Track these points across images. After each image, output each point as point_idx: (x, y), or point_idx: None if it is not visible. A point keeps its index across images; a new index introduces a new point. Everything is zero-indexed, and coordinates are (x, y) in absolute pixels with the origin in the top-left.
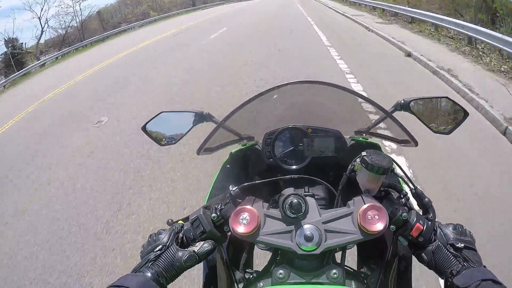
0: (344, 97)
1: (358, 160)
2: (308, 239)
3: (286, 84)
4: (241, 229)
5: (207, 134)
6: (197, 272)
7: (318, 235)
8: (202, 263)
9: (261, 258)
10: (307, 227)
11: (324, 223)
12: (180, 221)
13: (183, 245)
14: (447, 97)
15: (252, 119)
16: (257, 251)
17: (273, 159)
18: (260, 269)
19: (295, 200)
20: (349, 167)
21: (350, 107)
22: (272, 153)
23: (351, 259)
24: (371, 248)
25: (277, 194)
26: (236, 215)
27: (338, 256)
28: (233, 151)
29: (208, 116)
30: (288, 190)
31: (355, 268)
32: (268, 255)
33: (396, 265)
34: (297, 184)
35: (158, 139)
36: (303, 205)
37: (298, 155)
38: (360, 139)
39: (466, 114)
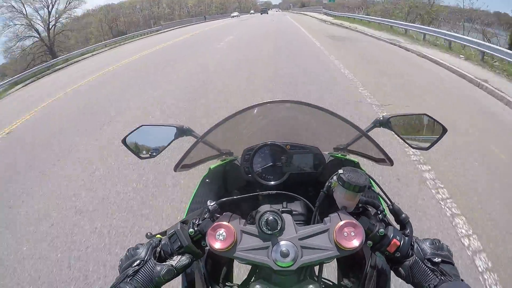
0: (323, 115)
1: (335, 177)
2: (284, 255)
3: (266, 103)
4: (217, 245)
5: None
6: (176, 285)
7: (294, 251)
8: (180, 276)
9: (241, 271)
10: (283, 244)
11: (300, 239)
12: (158, 235)
13: (161, 259)
14: (426, 114)
15: (231, 135)
16: (237, 264)
17: (252, 174)
18: (240, 282)
19: (271, 217)
20: (326, 184)
21: (329, 124)
22: (250, 169)
23: (332, 271)
24: (351, 261)
25: (255, 210)
26: (213, 230)
27: (316, 269)
28: (212, 166)
29: (188, 130)
30: (265, 207)
31: (335, 281)
32: (248, 268)
33: (375, 278)
34: (276, 199)
35: (137, 152)
36: (279, 221)
37: (277, 171)
38: (339, 155)
39: (444, 130)
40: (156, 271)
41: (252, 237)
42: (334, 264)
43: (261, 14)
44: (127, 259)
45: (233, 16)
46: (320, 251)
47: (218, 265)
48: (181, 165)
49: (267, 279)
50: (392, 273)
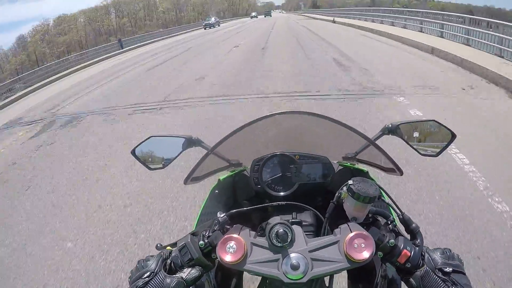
0: (331, 125)
1: (344, 188)
2: (295, 267)
3: (274, 115)
4: (228, 257)
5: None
6: None
7: (304, 264)
8: None
9: (250, 283)
10: (294, 256)
11: (310, 251)
12: (169, 247)
13: (171, 271)
14: (434, 120)
15: (240, 146)
16: (247, 276)
17: (261, 185)
18: None
19: (281, 230)
20: (336, 195)
21: (337, 134)
22: (260, 180)
23: (342, 282)
24: (361, 272)
25: (265, 222)
26: (223, 243)
27: (327, 279)
28: (221, 177)
29: (197, 141)
30: (275, 219)
31: None
32: (257, 280)
33: None
34: (285, 210)
35: (147, 163)
36: (289, 234)
37: (286, 182)
38: (348, 164)
39: (453, 136)
40: (166, 283)
41: (262, 250)
42: (344, 274)
43: (265, 16)
44: (137, 271)
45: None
46: (330, 263)
47: (228, 277)
48: (191, 178)
49: None
50: (403, 283)
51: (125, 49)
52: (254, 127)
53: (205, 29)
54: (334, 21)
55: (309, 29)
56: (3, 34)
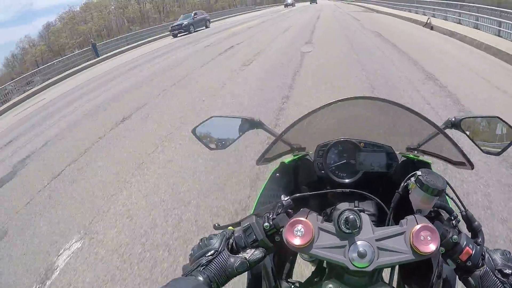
0: (396, 112)
1: (412, 179)
2: (361, 255)
3: (341, 100)
4: (296, 241)
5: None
6: (238, 278)
7: (371, 252)
8: None
9: (299, 268)
10: (361, 244)
11: (377, 240)
12: (230, 227)
13: (233, 251)
14: (498, 117)
15: (302, 131)
16: (298, 261)
17: (325, 171)
18: (299, 279)
19: (351, 216)
20: (402, 184)
21: (402, 122)
22: (324, 165)
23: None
24: (414, 267)
25: (330, 207)
26: (291, 226)
27: (384, 272)
28: (284, 160)
29: (259, 123)
30: (343, 205)
31: (395, 286)
32: (306, 265)
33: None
34: (346, 198)
35: (207, 143)
36: (358, 221)
37: (350, 169)
38: (411, 156)
39: None
40: (230, 262)
41: (329, 235)
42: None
43: (310, 3)
44: (199, 249)
45: None
46: (396, 254)
47: (283, 260)
48: (263, 159)
49: (339, 279)
50: (457, 282)
51: (102, 56)
52: (317, 114)
53: (174, 36)
54: (431, 26)
55: (409, 56)
56: (42, 18)
